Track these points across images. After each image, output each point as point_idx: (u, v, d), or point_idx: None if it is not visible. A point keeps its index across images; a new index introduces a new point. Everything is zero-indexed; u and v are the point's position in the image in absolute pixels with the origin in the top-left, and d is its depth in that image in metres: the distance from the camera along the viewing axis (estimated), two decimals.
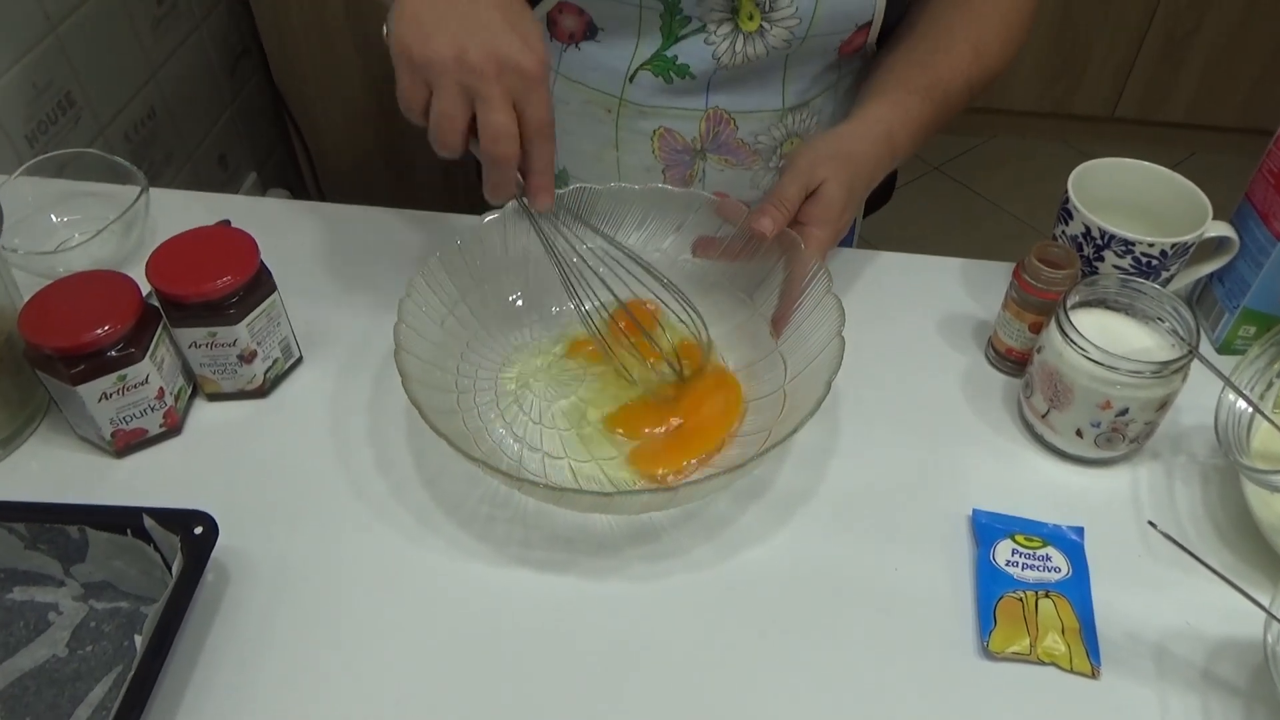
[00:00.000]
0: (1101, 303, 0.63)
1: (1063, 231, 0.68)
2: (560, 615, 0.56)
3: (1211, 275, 0.71)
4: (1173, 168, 0.69)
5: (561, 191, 0.68)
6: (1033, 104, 2.15)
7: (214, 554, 0.57)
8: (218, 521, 0.55)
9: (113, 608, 0.56)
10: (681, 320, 0.66)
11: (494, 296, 0.69)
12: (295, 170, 1.66)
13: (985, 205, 2.12)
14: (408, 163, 1.58)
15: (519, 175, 0.59)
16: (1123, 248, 0.65)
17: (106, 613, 0.55)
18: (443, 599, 0.56)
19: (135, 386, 0.60)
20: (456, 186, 1.58)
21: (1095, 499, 0.62)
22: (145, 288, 0.62)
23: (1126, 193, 0.70)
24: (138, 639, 0.54)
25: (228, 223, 0.73)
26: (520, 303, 0.71)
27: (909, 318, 0.74)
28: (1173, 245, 0.64)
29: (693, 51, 0.72)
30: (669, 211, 0.70)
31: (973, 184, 2.16)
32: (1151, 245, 0.64)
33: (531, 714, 0.52)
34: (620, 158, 0.80)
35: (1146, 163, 0.70)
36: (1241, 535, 0.59)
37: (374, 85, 1.50)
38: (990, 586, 0.56)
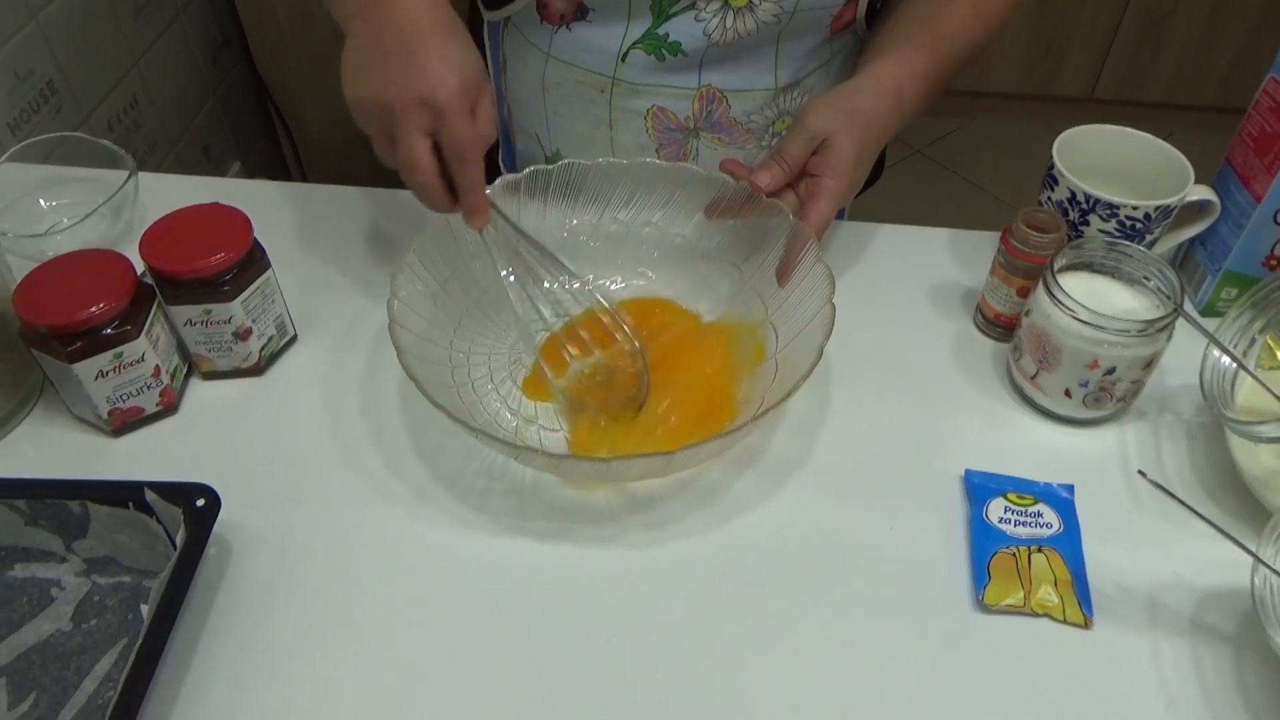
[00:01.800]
0: (1088, 266, 0.64)
1: (1048, 197, 0.69)
2: (558, 584, 0.56)
3: (1193, 239, 0.72)
4: None
5: (550, 169, 0.69)
6: (1013, 86, 2.17)
7: (215, 529, 0.58)
8: None
9: (116, 582, 0.56)
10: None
11: (484, 273, 0.69)
12: (280, 160, 1.66)
13: (968, 187, 2.13)
14: None
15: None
16: (1107, 211, 0.66)
17: (110, 587, 0.55)
18: (442, 571, 0.57)
19: (131, 364, 0.60)
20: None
21: (1084, 458, 0.63)
22: (140, 267, 0.62)
23: (1109, 159, 0.71)
24: (143, 609, 0.54)
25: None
26: (512, 278, 0.71)
27: (898, 287, 0.74)
28: (1156, 208, 0.65)
29: (684, 29, 0.72)
30: (657, 186, 0.71)
31: (955, 166, 2.18)
32: (1135, 209, 0.66)
33: (534, 680, 0.52)
34: (614, 137, 0.81)
35: (1129, 129, 0.71)
36: (1227, 490, 0.61)
37: None
38: (984, 543, 0.57)
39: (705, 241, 0.71)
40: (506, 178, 0.68)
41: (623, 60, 0.75)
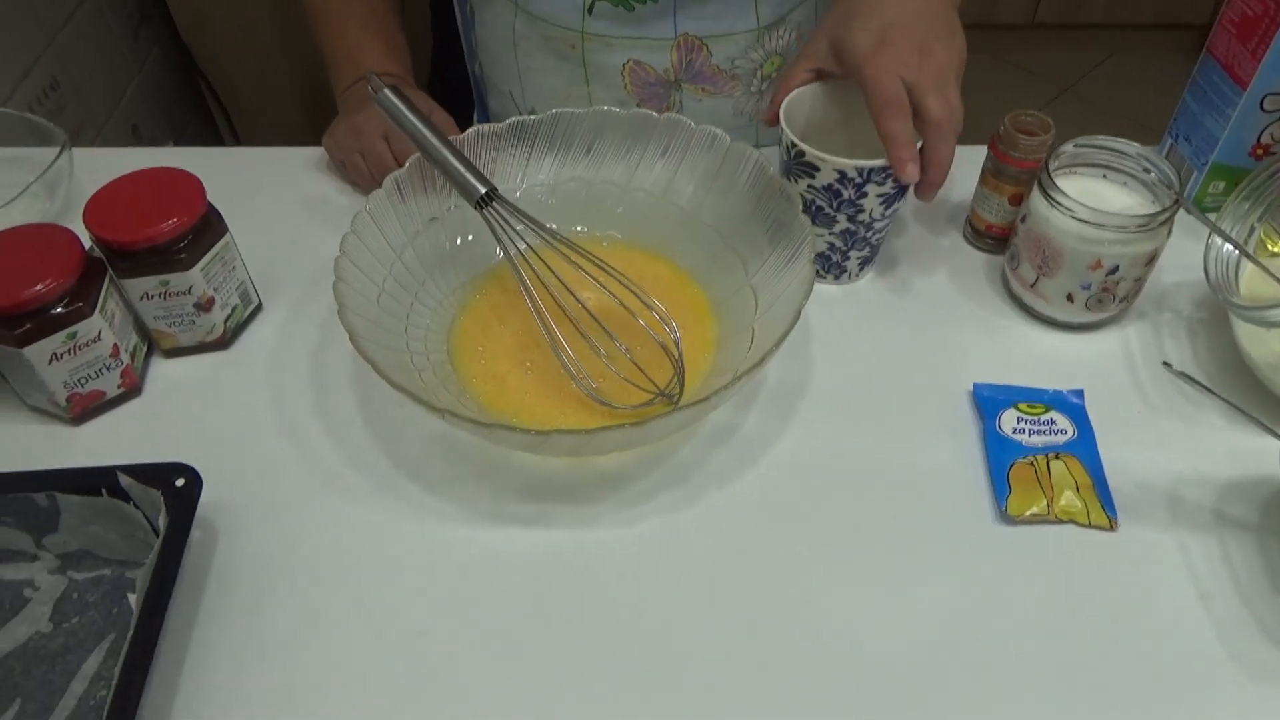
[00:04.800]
0: (1078, 167, 0.62)
1: (810, 185, 0.61)
2: (586, 548, 0.54)
3: (1177, 134, 0.71)
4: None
5: (539, 118, 0.64)
6: None
7: (198, 510, 0.54)
8: None
9: (95, 576, 0.52)
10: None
11: (430, 244, 0.63)
12: (215, 134, 1.58)
13: None
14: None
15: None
16: (881, 175, 0.59)
17: (88, 582, 0.52)
18: (452, 539, 0.54)
19: (87, 344, 0.56)
20: None
21: (1090, 362, 0.62)
22: (86, 240, 0.57)
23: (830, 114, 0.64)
24: (131, 598, 0.50)
25: None
26: (471, 238, 0.66)
27: None
28: (860, 168, 0.58)
29: None
30: (653, 138, 0.64)
31: None
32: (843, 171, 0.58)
33: (551, 653, 0.50)
34: (591, 93, 0.77)
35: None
36: (1233, 381, 0.60)
37: (289, 37, 1.43)
38: (1000, 455, 0.56)
39: (696, 204, 0.65)
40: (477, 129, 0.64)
41: (589, 12, 0.71)
